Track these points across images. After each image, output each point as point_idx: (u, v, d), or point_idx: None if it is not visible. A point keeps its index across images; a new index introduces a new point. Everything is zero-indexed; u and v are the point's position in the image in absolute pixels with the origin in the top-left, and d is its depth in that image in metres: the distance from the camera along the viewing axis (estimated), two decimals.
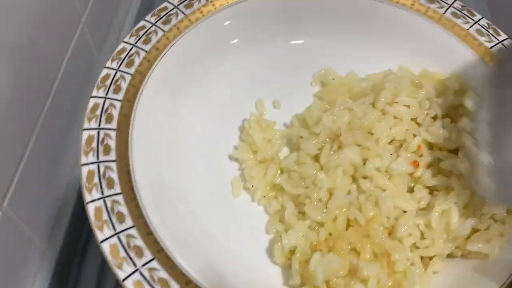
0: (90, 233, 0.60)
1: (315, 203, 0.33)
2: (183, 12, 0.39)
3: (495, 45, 0.37)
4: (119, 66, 0.37)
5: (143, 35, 0.38)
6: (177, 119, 0.39)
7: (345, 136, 0.33)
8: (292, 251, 0.32)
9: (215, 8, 0.39)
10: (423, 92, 0.35)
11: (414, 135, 0.34)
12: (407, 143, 0.34)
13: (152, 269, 0.28)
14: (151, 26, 0.38)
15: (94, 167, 0.33)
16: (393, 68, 0.40)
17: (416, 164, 0.33)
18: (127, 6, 0.78)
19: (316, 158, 0.35)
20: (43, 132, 0.52)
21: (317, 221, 0.32)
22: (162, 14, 0.39)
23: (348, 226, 0.32)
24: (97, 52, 0.66)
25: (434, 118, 0.35)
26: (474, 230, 0.31)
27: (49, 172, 0.55)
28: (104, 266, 0.58)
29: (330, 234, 0.32)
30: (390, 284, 0.29)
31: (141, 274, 0.28)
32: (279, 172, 0.37)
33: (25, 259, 0.51)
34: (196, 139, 0.39)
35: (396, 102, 0.35)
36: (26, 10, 0.48)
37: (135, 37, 0.39)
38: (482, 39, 0.37)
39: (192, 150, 0.39)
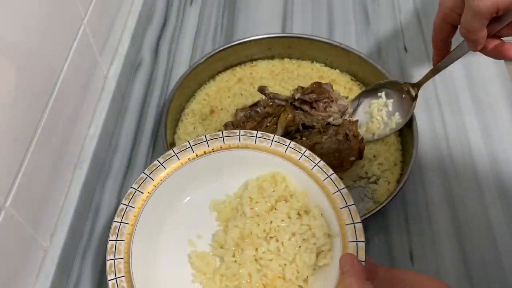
0: (92, 232, 0.61)
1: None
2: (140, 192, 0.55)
3: (286, 149, 0.57)
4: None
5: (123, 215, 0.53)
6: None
7: (243, 244, 0.53)
8: None
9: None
10: (265, 192, 0.56)
11: (271, 221, 0.55)
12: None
13: None
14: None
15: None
16: (242, 181, 0.59)
17: (277, 240, 0.53)
18: (129, 7, 0.78)
19: None
20: (45, 132, 0.52)
21: None
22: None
23: (264, 287, 0.52)
24: (98, 53, 0.67)
25: (275, 205, 0.56)
26: (318, 254, 0.52)
27: (51, 171, 0.55)
28: (105, 265, 0.58)
29: None
30: None
31: None
32: None
33: (27, 258, 0.51)
34: None
35: (252, 209, 0.55)
36: (28, 11, 0.48)
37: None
38: (279, 149, 0.57)
39: None
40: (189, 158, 0.56)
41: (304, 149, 0.57)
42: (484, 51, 0.55)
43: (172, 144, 0.66)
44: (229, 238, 0.54)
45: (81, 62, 0.61)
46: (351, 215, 0.52)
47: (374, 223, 0.61)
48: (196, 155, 0.57)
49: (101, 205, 0.63)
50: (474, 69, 0.75)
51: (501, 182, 0.63)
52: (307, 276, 0.52)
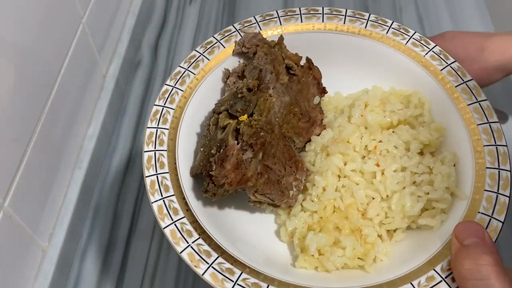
0: (91, 233, 0.61)
1: (314, 200, 0.44)
2: (207, 58, 0.50)
3: (443, 68, 0.47)
4: (165, 103, 0.46)
5: (179, 78, 0.48)
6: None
7: (331, 148, 0.45)
8: (293, 232, 0.44)
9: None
10: (388, 106, 0.47)
11: (380, 141, 0.45)
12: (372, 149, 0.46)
13: (171, 201, 0.41)
14: (185, 71, 0.49)
15: (154, 130, 0.44)
16: (369, 86, 0.51)
17: (378, 165, 0.44)
18: (128, 7, 0.78)
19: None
20: (44, 132, 0.52)
21: (312, 211, 0.44)
22: (192, 60, 0.49)
23: (333, 211, 0.43)
24: (97, 53, 0.66)
25: (395, 125, 0.46)
26: (425, 209, 0.42)
27: (50, 172, 0.55)
28: (104, 266, 0.58)
29: (321, 217, 0.43)
30: (362, 251, 0.41)
31: (176, 226, 0.39)
32: None
33: (26, 258, 0.51)
34: None
35: (362, 116, 0.46)
36: (27, 11, 0.48)
37: (174, 80, 0.48)
38: (434, 63, 0.47)
39: None
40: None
41: (468, 76, 0.45)
42: None
43: None
44: (318, 137, 0.46)
45: (80, 62, 0.61)
46: (498, 182, 0.39)
47: None
48: (313, 26, 0.49)
49: (100, 205, 0.63)
50: None
51: None
52: (396, 230, 0.42)
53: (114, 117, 0.70)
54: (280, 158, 0.42)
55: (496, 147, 0.40)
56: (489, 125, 0.42)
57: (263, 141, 0.41)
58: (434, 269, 0.37)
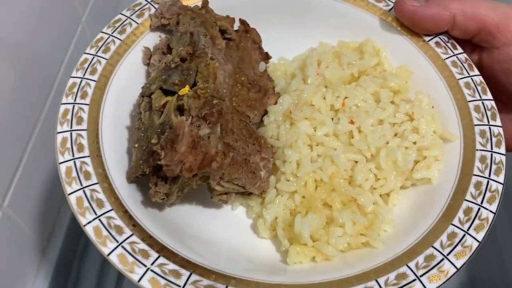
0: None
1: (290, 178, 0.37)
2: (135, 21, 0.44)
3: (391, 8, 0.43)
4: (84, 74, 0.39)
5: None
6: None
7: (295, 114, 0.38)
8: (274, 223, 0.36)
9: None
10: (344, 58, 0.42)
11: (346, 97, 0.40)
12: (340, 107, 0.40)
13: (109, 218, 0.32)
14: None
15: (67, 134, 0.35)
16: (314, 45, 0.45)
17: (352, 122, 0.38)
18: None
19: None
20: (43, 132, 0.52)
21: (291, 192, 0.36)
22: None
23: (316, 187, 0.37)
24: None
25: (357, 78, 0.42)
26: (415, 162, 0.37)
27: (49, 172, 0.55)
28: (104, 265, 0.58)
29: (304, 197, 0.36)
30: (366, 223, 0.35)
31: (100, 221, 0.31)
32: None
33: (25, 259, 0.51)
34: None
35: (318, 74, 0.41)
36: (27, 10, 0.48)
37: (95, 48, 0.41)
38: (380, 5, 0.43)
39: None
40: None
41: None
42: None
43: None
44: (277, 105, 0.39)
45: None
46: (485, 113, 0.35)
47: None
48: None
49: None
50: None
51: None
52: (390, 192, 0.36)
53: None
54: (239, 135, 0.35)
55: (471, 78, 0.37)
56: (456, 57, 0.39)
57: (219, 109, 0.32)
58: (452, 224, 0.31)
